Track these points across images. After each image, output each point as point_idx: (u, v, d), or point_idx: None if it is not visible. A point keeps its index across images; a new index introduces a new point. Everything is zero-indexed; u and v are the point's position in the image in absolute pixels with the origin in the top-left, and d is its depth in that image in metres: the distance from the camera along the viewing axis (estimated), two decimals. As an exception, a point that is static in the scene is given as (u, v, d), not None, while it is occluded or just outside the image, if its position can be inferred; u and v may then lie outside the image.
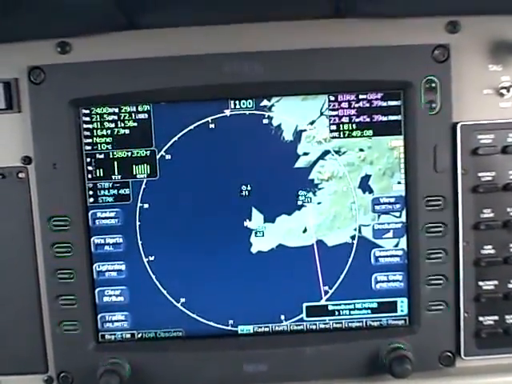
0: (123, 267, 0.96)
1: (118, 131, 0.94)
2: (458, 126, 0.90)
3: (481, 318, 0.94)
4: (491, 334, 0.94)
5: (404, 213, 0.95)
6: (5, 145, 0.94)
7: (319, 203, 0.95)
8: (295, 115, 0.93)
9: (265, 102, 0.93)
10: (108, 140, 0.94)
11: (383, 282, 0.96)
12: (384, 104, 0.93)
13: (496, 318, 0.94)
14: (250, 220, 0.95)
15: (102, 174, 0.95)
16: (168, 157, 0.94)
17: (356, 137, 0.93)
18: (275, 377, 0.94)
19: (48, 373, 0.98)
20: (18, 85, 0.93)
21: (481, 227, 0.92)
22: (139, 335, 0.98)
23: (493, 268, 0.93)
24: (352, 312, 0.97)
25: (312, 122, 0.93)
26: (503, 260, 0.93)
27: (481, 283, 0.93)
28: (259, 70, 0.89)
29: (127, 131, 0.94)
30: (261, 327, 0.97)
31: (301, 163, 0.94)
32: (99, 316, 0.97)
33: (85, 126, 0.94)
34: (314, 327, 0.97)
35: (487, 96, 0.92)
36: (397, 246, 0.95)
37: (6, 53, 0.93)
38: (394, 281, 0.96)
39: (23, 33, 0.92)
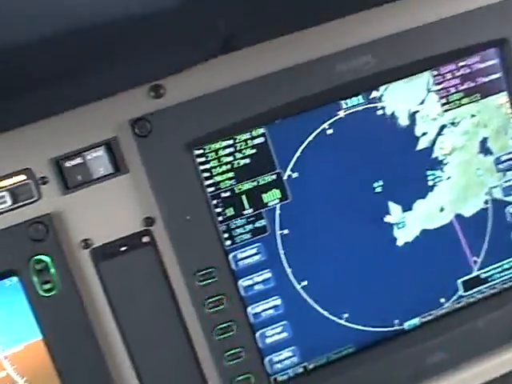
0: (278, 302, 0.84)
1: (237, 163, 0.81)
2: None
3: None
4: None
5: (526, 164, 0.90)
6: (120, 212, 0.79)
7: (448, 178, 0.87)
8: (405, 99, 0.84)
9: (374, 94, 0.84)
10: (230, 175, 0.81)
11: (523, 235, 0.91)
12: (483, 65, 0.87)
13: None
14: (389, 214, 0.86)
15: (232, 213, 0.82)
16: (295, 175, 0.82)
17: (465, 104, 0.87)
18: (458, 359, 0.86)
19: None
20: (119, 144, 0.79)
21: None
22: (311, 366, 0.86)
23: None
24: (502, 274, 0.91)
25: (422, 102, 0.85)
26: None
27: None
28: (371, 61, 0.81)
29: (247, 160, 0.81)
30: (425, 317, 0.89)
31: (422, 144, 0.86)
32: (266, 360, 0.84)
33: (201, 167, 0.81)
34: (472, 300, 0.90)
35: None
36: (527, 197, 0.90)
37: (97, 112, 0.78)
38: (531, 231, 0.91)
39: (113, 86, 0.78)
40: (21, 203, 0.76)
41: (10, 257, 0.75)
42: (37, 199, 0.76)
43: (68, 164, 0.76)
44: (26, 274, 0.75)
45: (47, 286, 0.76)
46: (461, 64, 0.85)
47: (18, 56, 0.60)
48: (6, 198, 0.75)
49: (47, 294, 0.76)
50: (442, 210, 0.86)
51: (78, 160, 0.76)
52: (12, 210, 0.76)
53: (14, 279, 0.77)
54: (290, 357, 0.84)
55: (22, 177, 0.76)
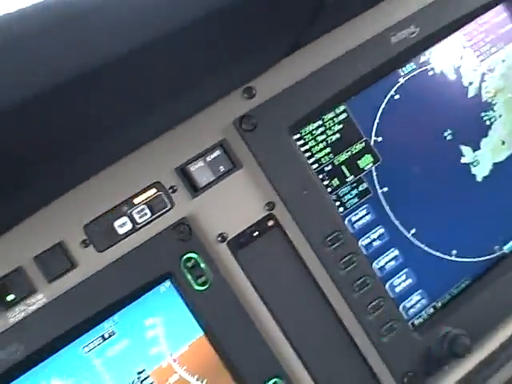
0: (396, 252, 0.91)
1: (330, 139, 0.91)
2: None
3: None
4: None
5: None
6: (244, 203, 0.86)
7: (500, 116, 0.99)
8: (447, 57, 0.98)
9: (423, 58, 0.97)
10: (327, 150, 0.90)
11: None
12: (498, 19, 1.02)
13: None
14: (463, 156, 0.97)
15: (338, 183, 0.91)
16: (379, 139, 0.92)
17: (494, 52, 1.00)
18: None
19: (387, 388, 0.89)
20: (228, 143, 0.87)
21: None
22: (439, 304, 0.93)
23: None
24: None
25: (461, 57, 0.99)
26: None
27: None
28: (416, 30, 0.94)
29: (338, 135, 0.91)
30: (520, 237, 0.98)
31: (471, 92, 0.98)
32: (401, 307, 0.91)
33: (302, 148, 0.90)
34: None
35: None
36: None
37: (204, 120, 0.87)
38: None
39: (212, 96, 0.88)
40: (158, 213, 0.82)
41: (163, 261, 0.80)
42: (170, 207, 0.83)
43: (192, 168, 0.83)
44: (180, 272, 0.80)
45: (201, 280, 0.81)
46: (480, 21, 0.99)
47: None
48: (145, 211, 0.81)
49: (202, 288, 0.81)
50: (503, 143, 0.97)
51: (200, 163, 0.84)
52: (152, 220, 0.82)
53: (167, 284, 0.82)
54: (420, 300, 0.90)
55: (153, 190, 0.82)
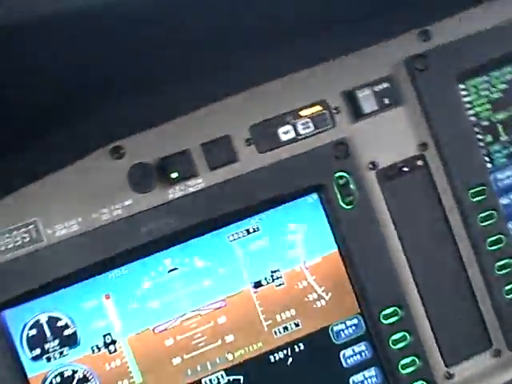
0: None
1: (493, 97, 0.92)
2: None
3: None
4: None
5: None
6: (399, 138, 0.89)
7: None
8: None
9: None
10: (487, 107, 0.92)
11: None
12: None
13: None
14: None
15: (491, 140, 0.92)
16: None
17: None
18: None
19: (493, 346, 0.91)
20: (394, 80, 0.90)
21: None
22: None
23: None
24: None
25: None
26: None
27: None
28: None
29: (500, 94, 0.92)
30: None
31: None
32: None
33: (464, 99, 0.92)
34: None
35: None
36: None
37: (376, 53, 0.89)
38: None
39: (388, 32, 0.90)
40: (320, 129, 0.86)
41: (317, 173, 0.84)
42: (332, 126, 0.86)
43: (360, 94, 0.86)
44: (330, 187, 0.84)
45: (348, 199, 0.84)
46: None
47: None
48: (309, 124, 0.85)
49: (348, 207, 0.84)
50: None
51: (367, 91, 0.87)
52: (314, 135, 0.86)
53: (315, 196, 0.86)
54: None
55: (319, 107, 0.86)
